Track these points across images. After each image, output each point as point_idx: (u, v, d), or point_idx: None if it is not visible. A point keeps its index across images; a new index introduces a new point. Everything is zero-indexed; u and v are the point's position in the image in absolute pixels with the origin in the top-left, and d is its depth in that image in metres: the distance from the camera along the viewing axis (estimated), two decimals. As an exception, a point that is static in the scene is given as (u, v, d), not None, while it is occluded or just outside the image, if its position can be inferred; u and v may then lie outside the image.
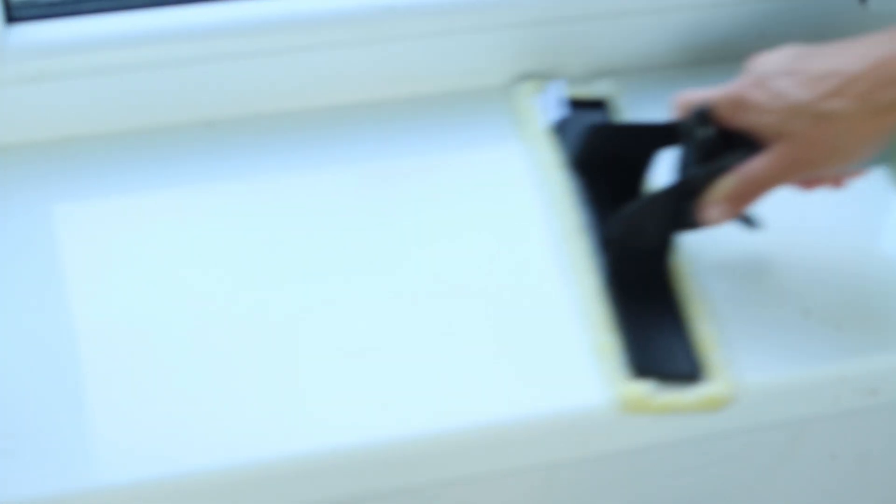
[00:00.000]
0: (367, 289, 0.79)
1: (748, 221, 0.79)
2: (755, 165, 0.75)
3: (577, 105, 0.89)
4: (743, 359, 0.75)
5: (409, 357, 0.75)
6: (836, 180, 0.80)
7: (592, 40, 0.92)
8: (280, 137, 0.88)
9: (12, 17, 0.87)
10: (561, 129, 0.87)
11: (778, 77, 0.75)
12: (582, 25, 0.91)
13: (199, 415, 0.71)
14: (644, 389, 0.73)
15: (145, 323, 0.76)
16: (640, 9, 0.92)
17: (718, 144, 0.76)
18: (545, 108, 0.88)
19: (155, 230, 0.82)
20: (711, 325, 0.77)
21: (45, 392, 0.71)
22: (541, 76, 0.91)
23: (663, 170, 0.80)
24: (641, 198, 0.80)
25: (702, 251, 0.81)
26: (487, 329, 0.76)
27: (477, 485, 0.77)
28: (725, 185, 0.76)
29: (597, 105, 0.90)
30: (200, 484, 0.68)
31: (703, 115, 0.77)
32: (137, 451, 0.69)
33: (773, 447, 0.81)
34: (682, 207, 0.77)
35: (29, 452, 0.68)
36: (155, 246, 0.81)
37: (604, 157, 0.83)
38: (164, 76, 0.87)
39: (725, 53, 0.99)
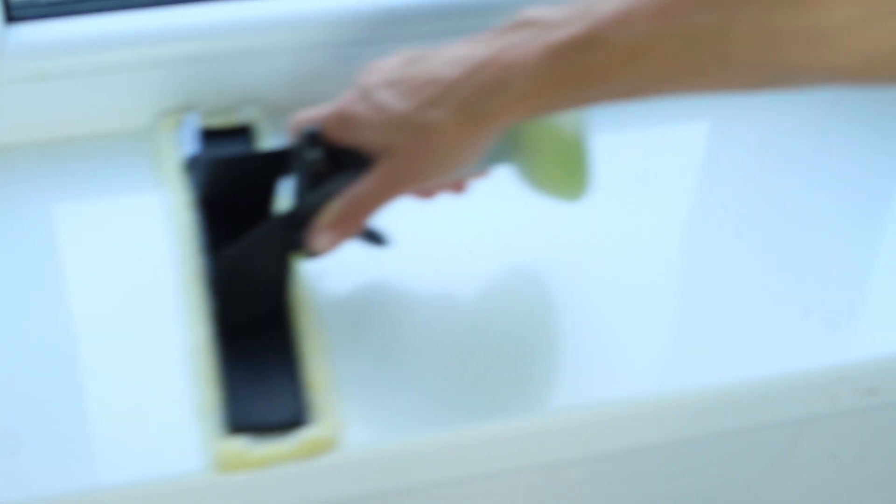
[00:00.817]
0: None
1: (375, 239, 0.76)
2: (360, 186, 0.71)
3: (218, 135, 0.85)
4: (737, 357, 0.76)
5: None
6: (457, 186, 0.78)
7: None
8: (280, 137, 0.88)
9: (12, 17, 0.88)
10: (194, 164, 0.82)
11: (381, 88, 0.72)
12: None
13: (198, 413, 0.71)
14: (236, 445, 0.67)
15: (145, 323, 0.76)
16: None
17: (330, 166, 0.72)
18: (181, 142, 0.85)
19: (155, 230, 0.82)
20: (323, 363, 0.72)
21: (46, 392, 0.71)
22: (182, 110, 0.88)
23: (286, 198, 0.75)
24: (248, 234, 0.73)
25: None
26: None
27: (477, 485, 0.77)
28: (331, 210, 0.72)
29: (240, 133, 0.86)
30: (200, 484, 0.68)
31: (312, 136, 0.72)
32: (138, 450, 0.69)
33: (773, 447, 0.81)
34: (295, 237, 0.73)
35: (30, 452, 0.68)
36: (155, 246, 0.81)
37: (227, 190, 0.77)
38: (164, 76, 0.87)
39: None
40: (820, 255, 0.83)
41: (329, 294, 0.78)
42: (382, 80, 0.72)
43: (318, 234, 0.73)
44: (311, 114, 0.74)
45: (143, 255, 0.80)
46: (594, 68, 0.65)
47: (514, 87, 0.67)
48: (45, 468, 0.67)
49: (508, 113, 0.68)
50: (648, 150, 0.92)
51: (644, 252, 0.83)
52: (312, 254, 0.73)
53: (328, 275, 0.78)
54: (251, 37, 0.89)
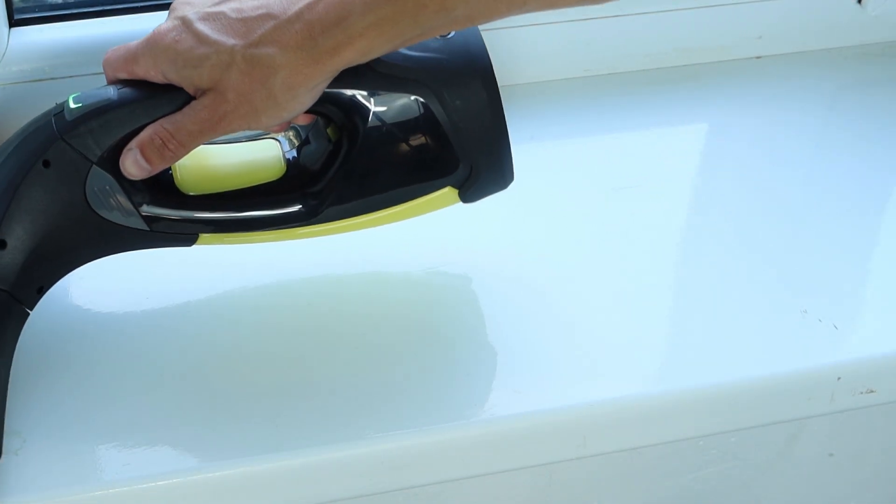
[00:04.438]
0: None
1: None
2: (182, 114, 0.67)
3: None
4: (735, 356, 0.76)
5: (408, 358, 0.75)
6: (280, 128, 0.74)
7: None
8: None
9: (15, 20, 0.88)
10: None
11: (202, 21, 0.67)
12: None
13: (200, 415, 0.71)
14: None
15: (146, 322, 0.76)
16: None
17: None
18: None
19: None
20: None
21: (49, 391, 0.72)
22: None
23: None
24: None
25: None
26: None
27: (477, 485, 0.77)
28: (144, 131, 0.67)
29: None
30: (201, 484, 0.68)
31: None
32: (139, 450, 0.69)
33: (771, 446, 0.81)
34: None
35: (33, 451, 0.68)
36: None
37: None
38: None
39: (723, 54, 0.99)
40: (818, 254, 0.83)
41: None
42: (202, 12, 0.67)
43: (125, 154, 0.68)
44: (121, 51, 0.69)
45: (144, 256, 0.80)
46: None
47: (352, 21, 0.64)
48: (49, 467, 0.68)
49: (349, 50, 0.65)
50: (648, 151, 0.92)
51: (643, 252, 0.83)
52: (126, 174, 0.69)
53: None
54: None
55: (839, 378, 0.76)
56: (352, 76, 0.68)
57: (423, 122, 0.71)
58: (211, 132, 0.67)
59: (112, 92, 0.69)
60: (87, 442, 0.70)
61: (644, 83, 0.97)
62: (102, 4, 0.90)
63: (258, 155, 0.74)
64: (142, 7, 0.90)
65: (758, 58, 1.00)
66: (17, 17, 0.88)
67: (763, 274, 0.81)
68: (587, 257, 0.82)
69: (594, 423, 0.74)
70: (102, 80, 0.87)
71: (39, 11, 0.89)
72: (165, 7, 0.89)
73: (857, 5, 1.00)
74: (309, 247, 0.79)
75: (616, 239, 0.84)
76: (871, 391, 0.77)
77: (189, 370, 0.73)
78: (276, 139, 0.75)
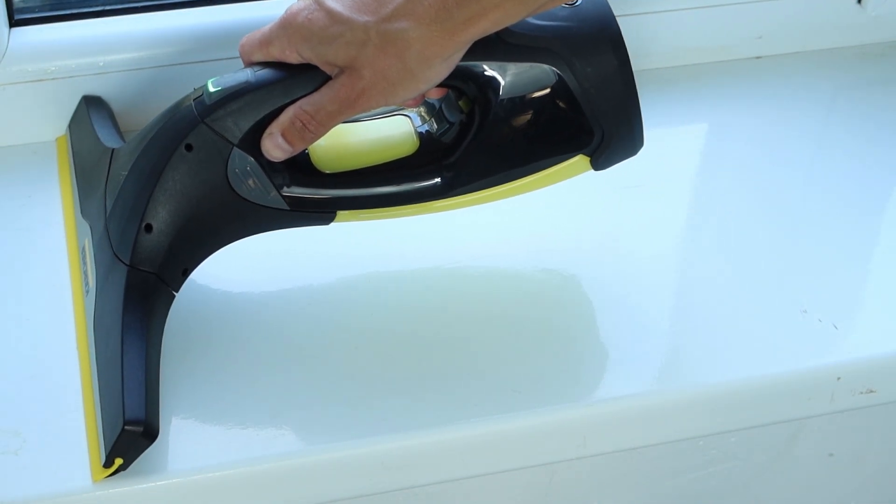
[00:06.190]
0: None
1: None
2: (318, 95, 0.68)
3: None
4: (735, 356, 0.76)
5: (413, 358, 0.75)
6: (415, 102, 0.74)
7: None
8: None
9: (15, 20, 0.88)
10: None
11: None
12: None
13: (201, 415, 0.71)
14: None
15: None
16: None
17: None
18: None
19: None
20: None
21: (51, 391, 0.72)
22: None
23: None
24: None
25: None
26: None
27: (477, 485, 0.77)
28: (284, 114, 0.69)
29: None
30: (202, 484, 0.68)
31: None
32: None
33: (771, 446, 0.81)
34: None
35: (34, 451, 0.68)
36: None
37: None
38: (165, 77, 0.88)
39: (723, 54, 0.99)
40: (818, 254, 0.83)
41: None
42: None
43: (266, 137, 0.69)
44: (256, 35, 0.70)
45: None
46: None
47: None
48: (49, 467, 0.68)
49: (484, 20, 0.65)
50: (649, 151, 0.92)
51: (642, 253, 0.83)
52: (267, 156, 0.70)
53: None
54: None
55: (839, 378, 0.76)
56: (483, 48, 0.68)
57: (554, 90, 0.72)
58: (350, 110, 0.68)
59: (249, 74, 0.70)
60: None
61: (644, 83, 0.97)
62: (102, 4, 0.90)
63: (391, 131, 0.75)
64: (142, 7, 0.90)
65: (758, 58, 1.00)
66: (17, 17, 0.88)
67: (763, 274, 0.81)
68: (586, 256, 0.82)
69: (594, 423, 0.74)
70: (103, 79, 0.88)
71: (39, 11, 0.89)
72: (165, 7, 0.90)
73: (857, 5, 1.00)
74: (309, 248, 0.79)
75: (615, 238, 0.84)
76: (871, 391, 0.77)
77: (184, 370, 0.73)
78: (407, 115, 0.75)
